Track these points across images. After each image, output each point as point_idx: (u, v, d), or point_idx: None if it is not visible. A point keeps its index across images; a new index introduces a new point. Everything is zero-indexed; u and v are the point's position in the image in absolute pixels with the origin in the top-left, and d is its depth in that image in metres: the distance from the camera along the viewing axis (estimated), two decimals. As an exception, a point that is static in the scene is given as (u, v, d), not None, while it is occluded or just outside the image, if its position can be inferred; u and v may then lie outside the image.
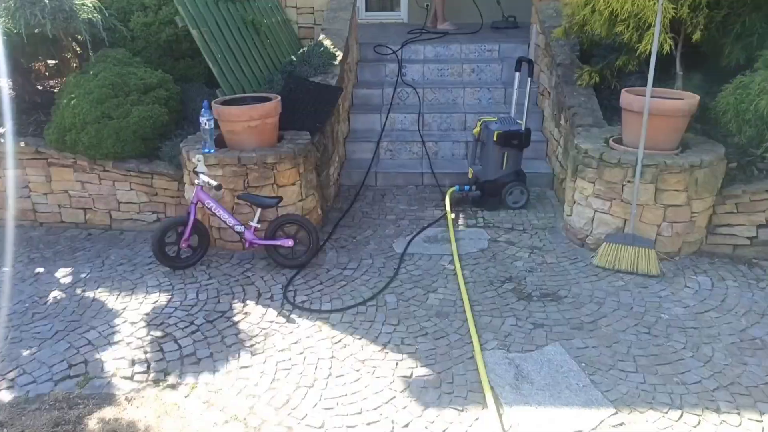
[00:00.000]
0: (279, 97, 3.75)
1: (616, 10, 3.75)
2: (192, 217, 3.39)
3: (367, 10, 8.90)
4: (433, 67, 5.73)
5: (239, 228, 3.41)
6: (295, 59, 4.62)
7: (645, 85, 4.18)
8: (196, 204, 3.41)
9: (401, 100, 5.53)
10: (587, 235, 3.65)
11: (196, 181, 3.41)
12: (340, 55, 4.86)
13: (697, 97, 3.51)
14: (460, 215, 4.21)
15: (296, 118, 4.10)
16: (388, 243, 3.79)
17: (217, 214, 3.40)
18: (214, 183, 3.34)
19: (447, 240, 3.80)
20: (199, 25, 3.98)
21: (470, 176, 4.36)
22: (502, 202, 4.25)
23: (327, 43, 4.99)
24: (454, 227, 3.98)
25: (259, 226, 3.43)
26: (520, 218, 4.14)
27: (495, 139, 4.09)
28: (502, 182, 4.23)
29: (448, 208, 4.21)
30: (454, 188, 4.41)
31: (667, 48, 3.59)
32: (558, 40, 4.80)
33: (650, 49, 3.55)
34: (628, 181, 3.39)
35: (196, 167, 3.47)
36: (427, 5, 8.44)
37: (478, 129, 4.22)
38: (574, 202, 3.71)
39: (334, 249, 3.73)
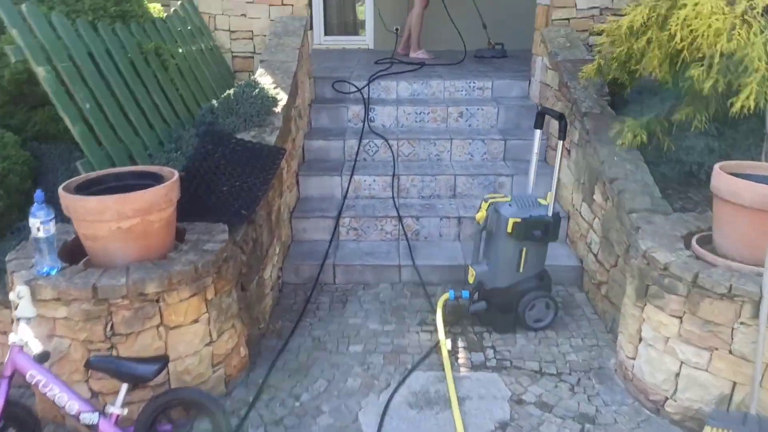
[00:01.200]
0: (176, 176, 2.33)
1: (693, 44, 2.49)
2: (1, 400, 1.91)
3: (326, 34, 7.58)
4: (410, 110, 4.40)
5: (89, 418, 1.94)
6: (217, 106, 3.21)
7: (715, 151, 2.91)
8: (10, 378, 1.93)
9: (369, 156, 4.17)
10: (667, 398, 2.32)
11: (10, 338, 1.94)
12: (283, 98, 3.48)
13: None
14: (460, 343, 2.83)
15: (212, 200, 2.69)
16: (351, 411, 2.37)
17: (49, 394, 1.93)
18: (36, 348, 1.87)
19: (444, 400, 2.42)
20: (54, 59, 2.54)
21: (471, 279, 3.00)
22: (519, 321, 2.90)
23: (266, 81, 3.60)
24: (454, 370, 2.60)
25: (124, 412, 1.97)
26: (548, 348, 2.79)
27: (510, 230, 2.75)
28: (519, 291, 2.89)
29: (441, 332, 2.84)
30: (447, 295, 3.05)
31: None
32: (585, 79, 3.53)
33: (753, 103, 2.31)
34: (744, 324, 2.09)
35: (17, 306, 1.99)
36: (397, 29, 7.17)
37: (482, 213, 2.88)
38: (641, 340, 2.39)
39: (262, 427, 2.29)
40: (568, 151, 3.70)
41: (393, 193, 3.90)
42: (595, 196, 3.18)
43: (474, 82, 4.63)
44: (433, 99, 4.61)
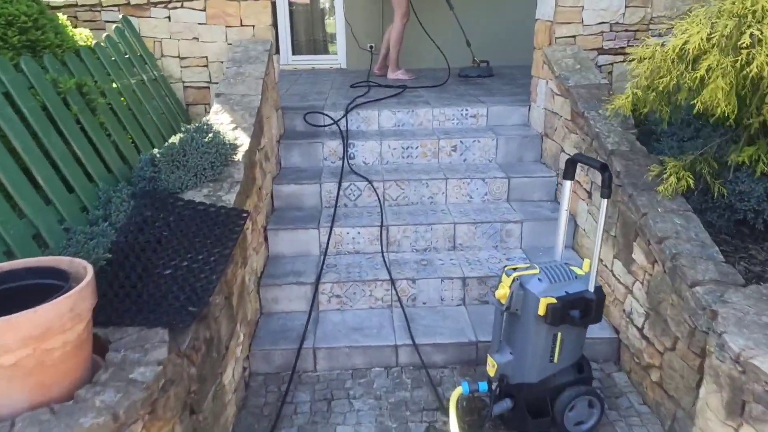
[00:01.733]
0: (89, 274, 1.64)
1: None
2: None
3: (294, 53, 6.95)
4: (396, 144, 3.77)
5: None
6: (159, 156, 2.52)
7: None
8: None
9: (350, 201, 3.52)
10: None
11: None
12: (245, 142, 2.81)
13: None
14: (482, 459, 2.20)
15: (149, 292, 2.00)
16: None
17: None
18: None
19: None
20: None
21: (492, 371, 2.36)
22: (556, 424, 2.28)
23: (223, 121, 2.93)
24: None
25: None
26: (597, 464, 2.17)
27: (542, 312, 2.13)
28: (554, 387, 2.27)
29: (457, 446, 2.20)
30: (460, 389, 2.40)
31: None
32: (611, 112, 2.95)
33: None
34: None
35: None
36: (372, 47, 6.58)
37: (505, 291, 2.25)
38: (735, 469, 1.79)
39: None
40: (588, 193, 3.11)
41: (382, 248, 3.26)
42: (634, 256, 2.58)
43: (467, 109, 4.04)
44: (421, 130, 4.00)
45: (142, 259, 2.11)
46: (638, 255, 2.55)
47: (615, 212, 2.76)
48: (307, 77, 6.04)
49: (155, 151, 2.57)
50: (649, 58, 2.38)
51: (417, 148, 3.78)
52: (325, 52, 7.16)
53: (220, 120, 2.94)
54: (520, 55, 6.73)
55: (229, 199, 2.47)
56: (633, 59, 2.50)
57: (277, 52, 3.84)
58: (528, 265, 2.29)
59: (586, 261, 2.27)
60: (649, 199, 2.58)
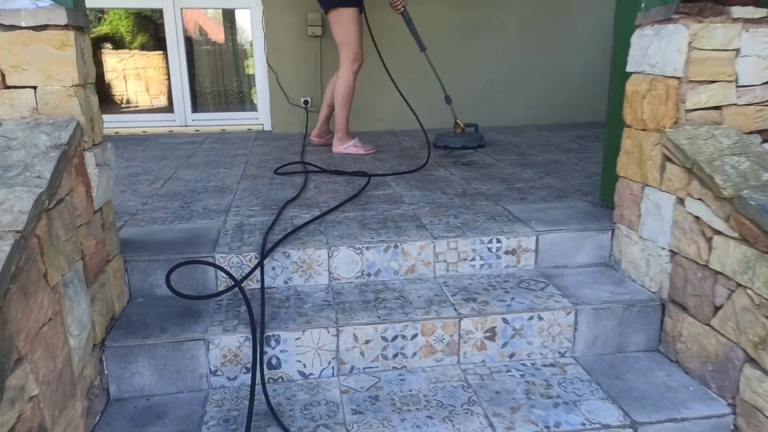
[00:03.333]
0: None
1: None
2: None
3: (196, 110, 4.91)
4: (370, 332, 1.74)
5: None
6: None
7: None
8: None
9: None
10: None
11: None
12: None
13: None
14: None
15: None
16: None
17: None
18: None
19: None
20: None
21: None
22: None
23: None
24: None
25: None
26: None
27: None
28: None
29: None
30: None
31: None
32: None
33: None
34: None
35: None
36: (307, 103, 4.64)
37: None
38: None
39: None
40: None
41: None
42: None
43: (498, 240, 2.09)
44: (414, 288, 2.00)
45: None
46: None
47: None
48: (209, 149, 3.96)
49: None
50: None
51: (414, 337, 1.78)
52: (242, 108, 5.12)
53: None
54: (515, 113, 4.99)
55: None
56: None
57: (94, 143, 1.78)
58: None
59: None
60: None
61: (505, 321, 1.82)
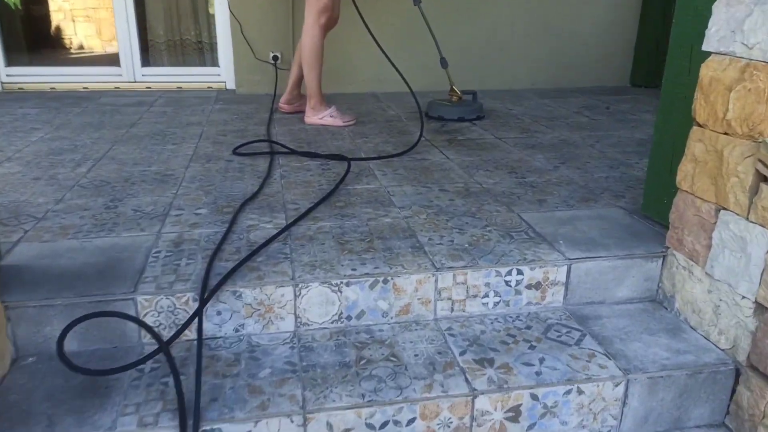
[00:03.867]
0: None
1: None
2: None
3: (147, 64, 4.22)
4: (350, 418, 1.27)
5: None
6: None
7: None
8: None
9: None
10: None
11: None
12: None
13: None
14: None
15: None
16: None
17: None
18: None
19: None
20: None
21: None
22: None
23: None
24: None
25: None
26: None
27: None
28: None
29: None
30: None
31: None
32: None
33: None
34: None
35: None
36: (276, 59, 4.01)
37: None
38: None
39: None
40: None
41: None
42: None
43: (520, 272, 1.59)
44: (410, 341, 1.49)
45: None
46: None
47: None
48: (158, 114, 3.34)
49: None
50: None
51: (411, 422, 1.29)
52: (201, 62, 4.44)
53: None
54: (513, 76, 4.42)
55: None
56: None
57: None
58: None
59: None
60: None
61: (534, 397, 1.34)
